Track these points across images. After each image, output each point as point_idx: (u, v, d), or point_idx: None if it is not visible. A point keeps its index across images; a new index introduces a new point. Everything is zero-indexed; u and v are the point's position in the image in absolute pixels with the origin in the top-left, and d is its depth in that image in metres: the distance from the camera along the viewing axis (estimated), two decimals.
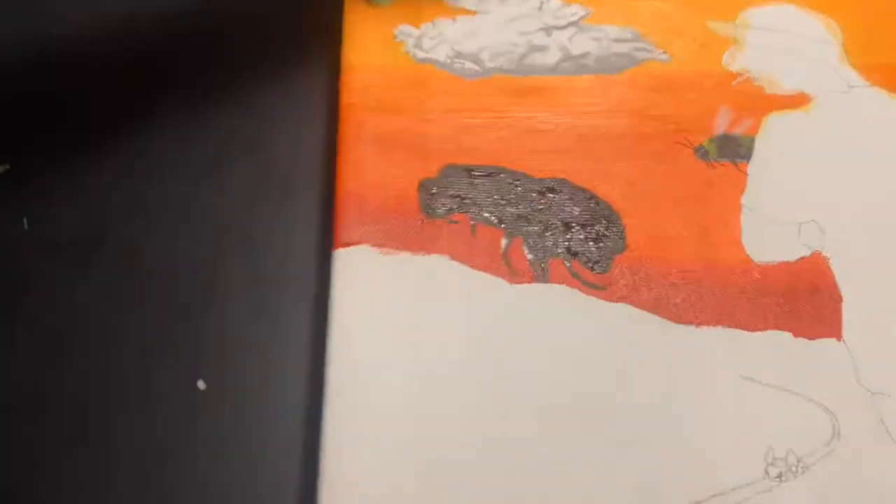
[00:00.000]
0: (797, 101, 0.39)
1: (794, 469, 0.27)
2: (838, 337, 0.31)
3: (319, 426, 0.28)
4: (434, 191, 0.34)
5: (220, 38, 0.40)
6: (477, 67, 0.39)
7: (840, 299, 0.32)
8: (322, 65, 0.39)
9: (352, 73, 0.38)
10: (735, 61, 0.40)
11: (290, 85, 0.39)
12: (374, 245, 0.32)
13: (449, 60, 0.39)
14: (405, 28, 0.40)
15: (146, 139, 0.36)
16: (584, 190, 0.35)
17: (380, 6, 0.41)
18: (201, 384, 0.29)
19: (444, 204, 0.34)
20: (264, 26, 0.41)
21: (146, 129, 0.36)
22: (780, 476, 0.27)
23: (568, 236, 0.33)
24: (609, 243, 0.33)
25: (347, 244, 0.32)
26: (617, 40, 0.41)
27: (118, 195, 0.34)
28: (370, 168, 0.34)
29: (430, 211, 0.33)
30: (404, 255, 0.32)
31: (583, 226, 0.34)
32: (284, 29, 0.41)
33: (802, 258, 0.33)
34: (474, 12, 0.42)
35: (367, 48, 0.39)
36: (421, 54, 0.39)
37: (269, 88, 0.38)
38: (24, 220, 0.33)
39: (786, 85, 0.39)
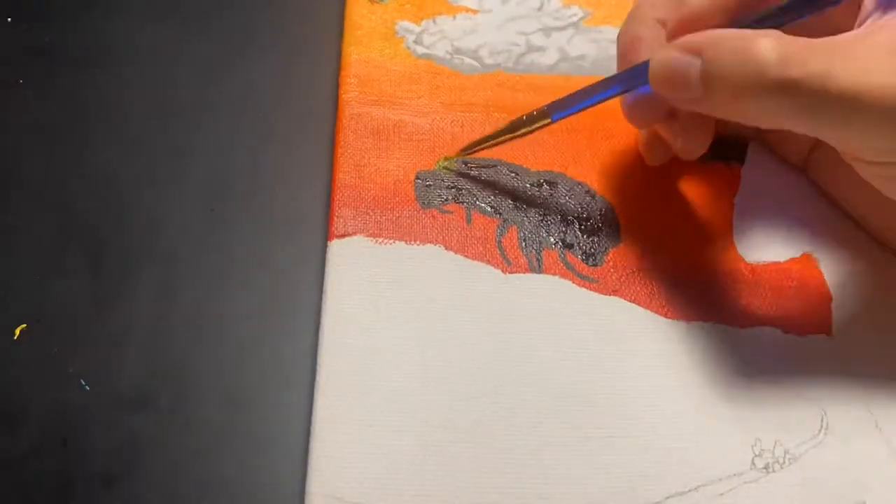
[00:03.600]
0: None
1: (780, 461, 0.27)
2: (828, 333, 0.31)
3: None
4: (430, 182, 0.34)
5: (219, 34, 0.40)
6: (476, 64, 0.40)
7: (830, 299, 0.32)
8: (322, 59, 0.40)
9: (351, 67, 0.38)
10: None
11: (291, 77, 0.39)
12: (368, 235, 0.32)
13: (448, 56, 0.40)
14: (406, 24, 0.41)
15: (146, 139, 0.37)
16: (581, 184, 0.35)
17: (381, 3, 0.41)
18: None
19: (439, 195, 0.34)
20: (265, 21, 0.41)
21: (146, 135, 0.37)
22: (766, 467, 0.27)
23: (563, 228, 0.33)
24: (604, 237, 0.33)
25: (343, 235, 0.32)
26: (615, 41, 0.41)
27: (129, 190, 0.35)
28: (367, 161, 0.35)
29: (426, 202, 0.34)
30: (399, 245, 0.32)
31: (578, 218, 0.34)
32: (286, 23, 0.41)
33: (793, 259, 0.33)
34: (475, 11, 0.42)
35: (367, 43, 0.40)
36: (421, 50, 0.40)
37: (271, 80, 0.39)
38: None
39: None
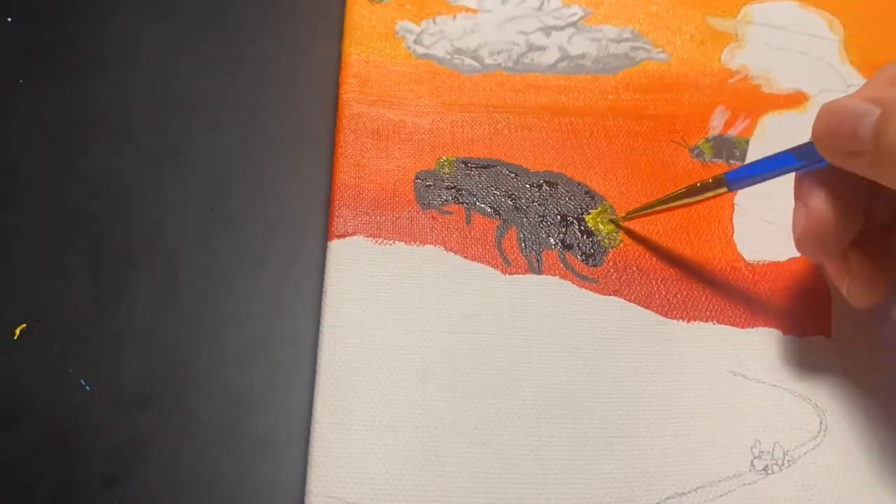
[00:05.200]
0: (795, 99, 0.39)
1: (780, 462, 0.27)
2: (828, 334, 0.31)
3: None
4: (430, 183, 0.34)
5: (218, 34, 0.41)
6: (476, 64, 0.40)
7: (830, 298, 0.32)
8: (322, 59, 0.40)
9: (351, 67, 0.38)
10: (734, 58, 0.41)
11: (291, 77, 0.39)
12: (368, 236, 0.32)
13: (448, 56, 0.40)
14: (406, 24, 0.41)
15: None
16: (581, 184, 0.35)
17: (381, 3, 0.41)
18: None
19: (439, 195, 0.34)
20: (265, 21, 0.41)
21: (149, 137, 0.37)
22: (765, 469, 0.27)
23: (563, 229, 0.33)
24: (603, 237, 0.33)
25: (343, 235, 0.32)
26: (615, 40, 0.42)
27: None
28: (367, 161, 0.35)
29: (426, 202, 0.34)
30: (398, 246, 0.32)
31: (578, 219, 0.34)
32: (286, 23, 0.41)
33: (793, 258, 0.33)
34: (475, 10, 0.42)
35: (367, 43, 0.40)
36: (421, 50, 0.40)
37: (271, 80, 0.39)
38: None
39: (783, 83, 0.40)
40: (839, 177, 0.26)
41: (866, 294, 0.28)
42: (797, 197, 0.28)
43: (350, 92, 0.37)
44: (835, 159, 0.25)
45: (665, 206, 0.32)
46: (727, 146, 0.37)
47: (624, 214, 0.34)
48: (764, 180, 0.29)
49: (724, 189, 0.30)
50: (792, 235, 0.28)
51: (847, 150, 0.24)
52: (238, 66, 0.39)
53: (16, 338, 0.30)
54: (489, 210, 0.34)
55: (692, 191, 0.31)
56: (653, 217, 0.34)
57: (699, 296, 0.32)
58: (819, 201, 0.26)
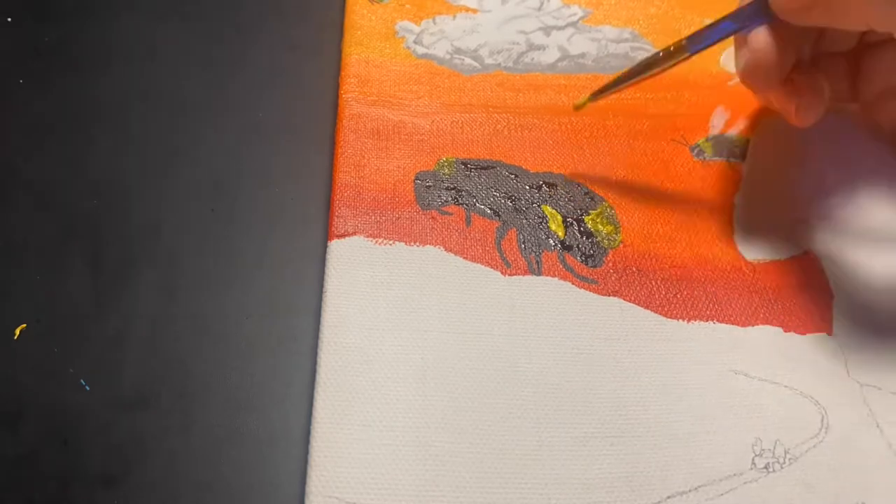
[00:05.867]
0: None
1: (781, 460, 0.27)
2: (829, 332, 0.31)
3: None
4: (430, 183, 0.34)
5: (218, 34, 0.41)
6: (476, 64, 0.40)
7: (832, 296, 0.32)
8: (323, 59, 0.40)
9: (351, 67, 0.38)
10: (732, 62, 0.41)
11: (291, 77, 0.39)
12: (368, 236, 0.32)
13: (448, 56, 0.40)
14: (406, 24, 0.41)
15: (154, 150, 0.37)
16: (580, 185, 0.35)
17: (381, 3, 0.41)
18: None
19: (439, 196, 0.34)
20: (265, 21, 0.41)
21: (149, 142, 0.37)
22: (766, 467, 0.27)
23: (563, 230, 0.33)
24: (603, 237, 0.33)
25: (343, 235, 0.32)
26: (615, 41, 0.42)
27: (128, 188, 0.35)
28: (367, 161, 0.35)
29: (426, 203, 0.34)
30: (398, 246, 0.32)
31: (578, 220, 0.34)
32: (286, 23, 0.41)
33: (794, 257, 0.33)
34: (475, 10, 0.42)
35: (367, 43, 0.40)
36: (421, 50, 0.40)
37: (271, 80, 0.39)
38: None
39: None
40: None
41: (810, 113, 0.32)
42: (737, 42, 0.32)
43: (350, 92, 0.37)
44: (792, 17, 0.29)
45: (634, 80, 0.33)
46: (728, 145, 0.37)
47: (590, 95, 0.35)
48: (721, 40, 0.31)
49: (687, 54, 0.31)
50: (741, 77, 0.32)
51: (801, 6, 0.28)
52: (238, 66, 0.39)
53: (16, 338, 0.30)
54: (489, 211, 0.34)
55: (655, 60, 0.32)
56: (653, 217, 0.34)
57: (699, 296, 0.32)
58: (761, 36, 0.30)
